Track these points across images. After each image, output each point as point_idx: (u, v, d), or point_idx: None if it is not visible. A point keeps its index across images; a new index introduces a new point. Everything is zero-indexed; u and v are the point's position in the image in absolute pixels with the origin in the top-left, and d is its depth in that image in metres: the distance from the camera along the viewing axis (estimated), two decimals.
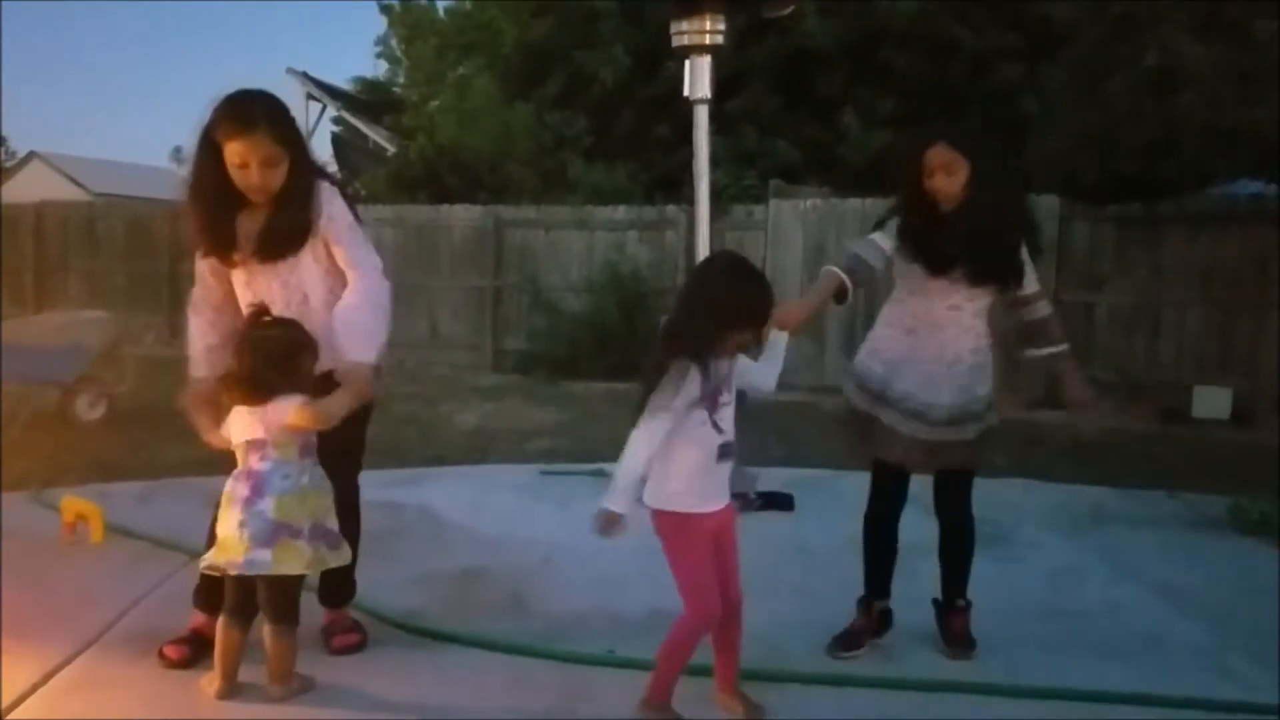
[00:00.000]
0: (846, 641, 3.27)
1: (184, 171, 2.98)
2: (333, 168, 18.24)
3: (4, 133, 33.15)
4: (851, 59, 12.85)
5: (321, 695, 2.85)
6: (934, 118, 3.52)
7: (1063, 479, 5.99)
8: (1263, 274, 8.71)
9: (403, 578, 3.85)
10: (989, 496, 5.44)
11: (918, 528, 4.78)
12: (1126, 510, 5.32)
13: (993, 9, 12.34)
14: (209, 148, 2.82)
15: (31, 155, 32.18)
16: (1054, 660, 3.21)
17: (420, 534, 4.56)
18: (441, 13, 18.40)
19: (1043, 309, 3.30)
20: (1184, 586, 4.02)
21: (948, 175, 3.01)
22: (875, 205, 10.11)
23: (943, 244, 3.07)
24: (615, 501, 2.69)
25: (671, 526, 2.75)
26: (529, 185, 13.34)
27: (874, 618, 3.33)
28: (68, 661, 3.01)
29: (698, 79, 5.17)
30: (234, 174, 2.80)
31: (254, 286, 2.95)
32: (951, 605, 3.32)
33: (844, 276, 3.09)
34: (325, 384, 2.84)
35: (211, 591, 2.95)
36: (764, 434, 5.20)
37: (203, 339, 3.04)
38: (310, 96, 19.52)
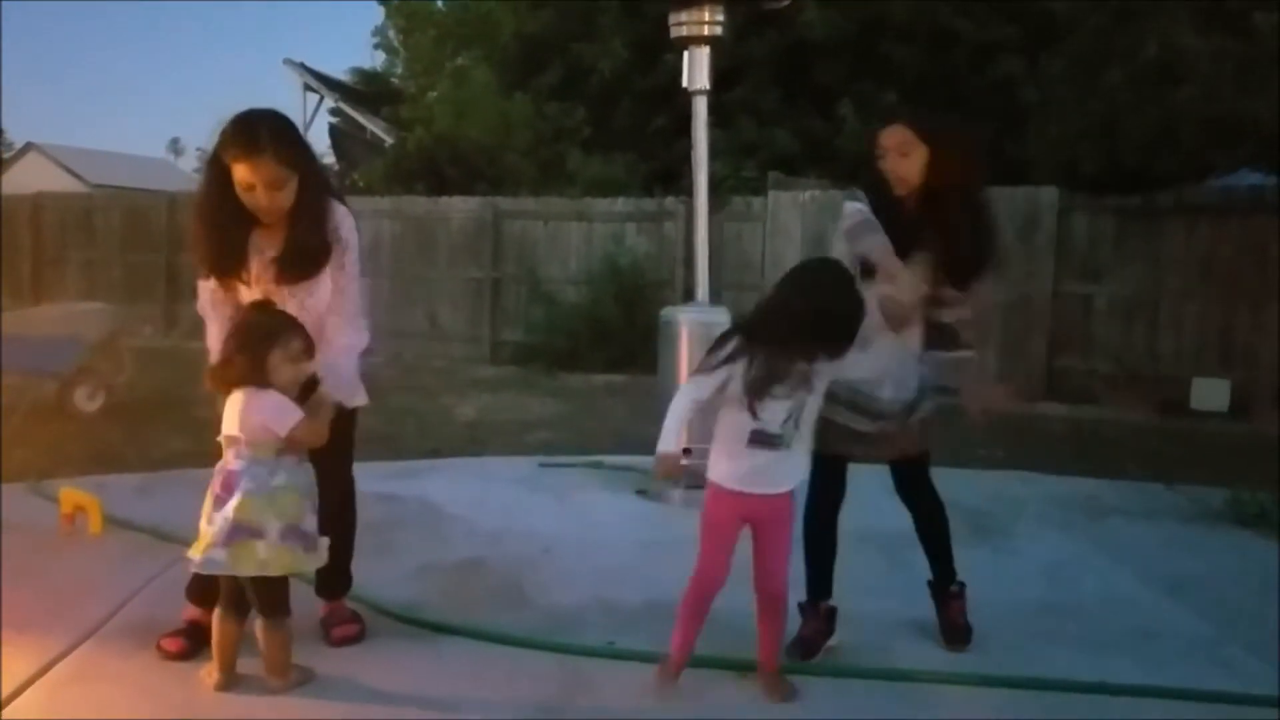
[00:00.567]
0: (805, 649, 3.13)
1: (181, 162, 3.00)
2: (330, 159, 18.24)
3: (1, 124, 33.03)
4: (851, 51, 12.83)
5: (320, 686, 2.85)
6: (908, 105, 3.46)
7: (1061, 471, 5.99)
8: (1262, 266, 8.70)
9: (401, 570, 3.85)
10: (986, 489, 5.48)
11: (910, 519, 4.79)
12: (1124, 502, 5.32)
13: (992, 1, 12.32)
14: (217, 169, 2.83)
15: (29, 146, 32.13)
16: (1051, 652, 3.21)
17: (419, 526, 4.56)
18: (439, 4, 18.36)
19: (965, 312, 3.14)
20: (1182, 578, 4.02)
21: (900, 157, 2.94)
22: None
23: (894, 230, 3.00)
24: (663, 443, 2.89)
25: (707, 493, 2.93)
26: (527, 176, 13.33)
27: (824, 618, 3.22)
28: (66, 653, 3.00)
29: (697, 70, 5.17)
30: (242, 195, 2.81)
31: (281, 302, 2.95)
32: (945, 590, 3.29)
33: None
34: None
35: (205, 584, 2.94)
36: None
37: (213, 346, 3.00)
38: (308, 87, 19.49)
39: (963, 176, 3.02)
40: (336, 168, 18.05)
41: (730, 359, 2.75)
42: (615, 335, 10.62)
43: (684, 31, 5.12)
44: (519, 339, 11.81)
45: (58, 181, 25.20)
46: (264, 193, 2.80)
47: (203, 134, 2.94)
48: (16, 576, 3.61)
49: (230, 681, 2.81)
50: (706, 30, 5.10)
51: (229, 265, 2.91)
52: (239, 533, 2.69)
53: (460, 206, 12.44)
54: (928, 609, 3.49)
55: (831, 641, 3.21)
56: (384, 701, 2.81)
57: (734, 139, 12.04)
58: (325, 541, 2.88)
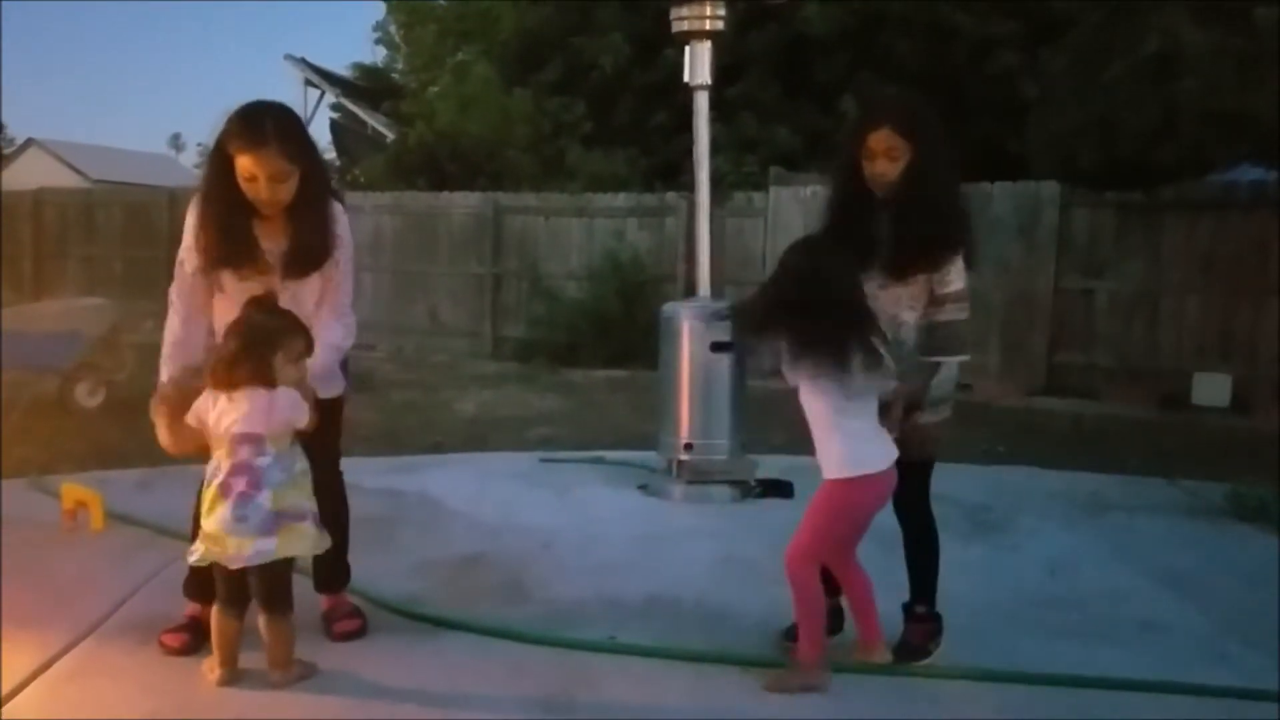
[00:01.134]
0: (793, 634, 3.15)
1: (182, 158, 2.99)
2: (331, 154, 18.22)
3: (3, 120, 33.02)
4: (851, 45, 12.82)
5: (322, 681, 2.86)
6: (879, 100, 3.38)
7: (1062, 466, 5.99)
8: (1263, 261, 8.69)
9: (403, 565, 3.85)
10: (987, 484, 5.49)
11: None
12: (1126, 497, 5.32)
13: None
14: (221, 159, 2.82)
15: (30, 142, 32.13)
16: (1052, 647, 3.22)
17: (420, 521, 4.56)
18: None
19: (955, 312, 3.05)
20: (1183, 573, 4.02)
21: (890, 160, 2.91)
22: None
23: (868, 232, 2.97)
24: None
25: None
26: (528, 172, 13.32)
27: (827, 617, 3.17)
28: (68, 649, 3.01)
29: (698, 65, 5.16)
30: (244, 186, 2.81)
31: (251, 293, 2.92)
32: (911, 612, 3.16)
33: None
34: None
35: (203, 580, 2.96)
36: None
37: (173, 336, 3.01)
38: (309, 83, 19.47)
39: (940, 171, 2.99)
40: (338, 163, 18.04)
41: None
42: (616, 331, 10.62)
43: (685, 26, 5.12)
44: (520, 334, 11.81)
45: (59, 177, 25.19)
46: (266, 185, 2.79)
47: (204, 130, 2.97)
48: (18, 572, 3.62)
49: (233, 676, 2.82)
50: (708, 25, 5.09)
51: (235, 256, 2.89)
52: (284, 518, 2.73)
53: (461, 202, 12.44)
54: None
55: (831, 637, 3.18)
56: (385, 696, 2.81)
57: (735, 134, 12.03)
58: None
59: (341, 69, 20.78)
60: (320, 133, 19.08)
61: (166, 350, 3.01)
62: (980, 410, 8.56)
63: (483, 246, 12.17)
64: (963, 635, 3.29)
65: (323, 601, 3.24)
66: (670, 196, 11.28)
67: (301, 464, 2.82)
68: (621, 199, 11.71)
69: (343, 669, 2.93)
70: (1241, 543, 4.53)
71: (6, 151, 32.23)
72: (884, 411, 2.91)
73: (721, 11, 5.10)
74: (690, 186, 5.94)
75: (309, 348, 2.84)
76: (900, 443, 2.96)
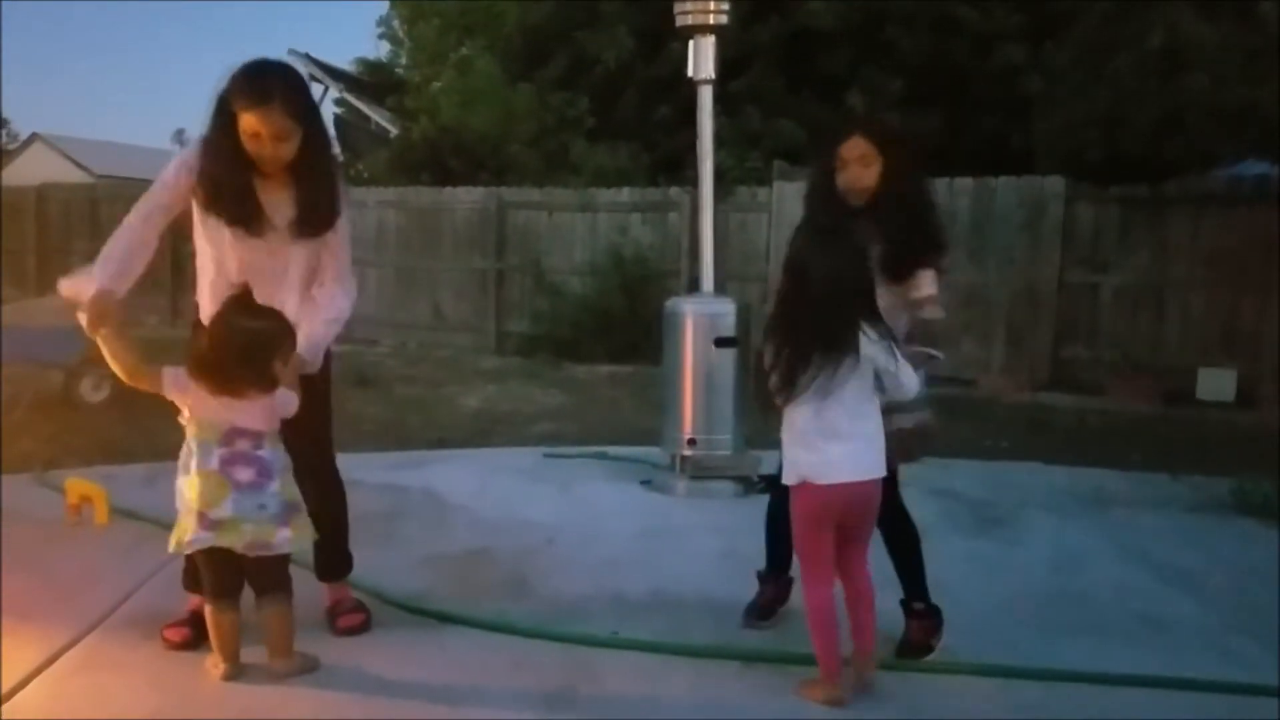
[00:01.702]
0: (761, 612, 3.30)
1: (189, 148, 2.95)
2: (335, 149, 18.20)
3: (6, 115, 33.04)
4: (856, 39, 12.78)
5: (325, 675, 2.86)
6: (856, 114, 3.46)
7: (1066, 461, 5.98)
8: (1267, 256, 8.65)
9: (406, 559, 3.86)
10: (992, 479, 5.48)
11: (916, 509, 4.79)
12: (1129, 492, 5.31)
13: None
14: (224, 115, 2.81)
15: (34, 137, 32.14)
16: (1056, 642, 3.22)
17: (424, 516, 4.57)
18: None
19: (929, 314, 3.09)
20: (1187, 568, 4.02)
21: (862, 168, 2.98)
22: None
23: None
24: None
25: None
26: (531, 167, 13.30)
27: (780, 586, 3.34)
28: (72, 643, 3.02)
29: (702, 59, 5.15)
30: (247, 143, 2.80)
31: (244, 255, 2.92)
32: (909, 609, 3.16)
33: None
34: None
35: (192, 575, 3.00)
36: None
37: (129, 236, 2.91)
38: (312, 78, 19.42)
39: (911, 179, 3.08)
40: (341, 158, 18.03)
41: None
42: (620, 326, 10.61)
43: (689, 20, 5.10)
44: (523, 330, 11.81)
45: (62, 172, 25.21)
46: (269, 142, 2.79)
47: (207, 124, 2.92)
48: (22, 567, 3.63)
49: (237, 671, 2.82)
50: (711, 19, 5.08)
51: (243, 212, 2.87)
52: (294, 509, 2.77)
53: (464, 197, 12.43)
54: (937, 601, 3.48)
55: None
56: (389, 690, 2.82)
57: (739, 129, 12.00)
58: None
59: (345, 64, 20.76)
60: None
61: (111, 250, 2.88)
62: (984, 405, 8.55)
63: (486, 242, 12.17)
64: (966, 631, 3.29)
65: (326, 596, 3.25)
66: (674, 191, 11.26)
67: (287, 457, 2.84)
68: (625, 194, 11.69)
69: (346, 663, 2.94)
70: (1245, 538, 4.52)
71: (10, 147, 32.24)
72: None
73: (725, 5, 5.08)
74: (694, 181, 5.93)
75: (295, 341, 2.83)
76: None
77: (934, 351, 3.04)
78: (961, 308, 9.89)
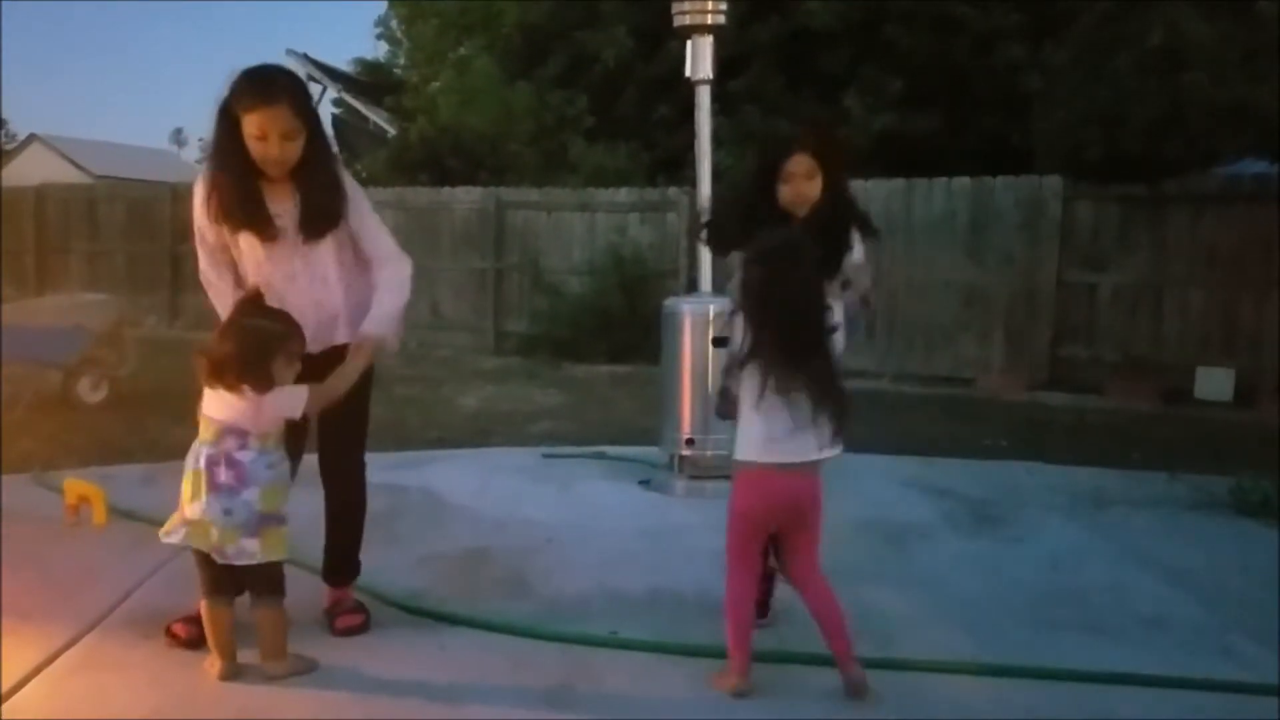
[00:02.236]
0: (759, 610, 3.21)
1: (184, 153, 2.98)
2: (333, 149, 18.20)
3: (4, 115, 33.03)
4: (854, 38, 12.79)
5: (324, 676, 2.86)
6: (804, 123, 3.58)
7: (1064, 460, 5.98)
8: (1266, 254, 8.67)
9: (405, 559, 3.85)
10: (990, 478, 5.48)
11: (915, 509, 4.81)
12: (1128, 491, 5.31)
13: None
14: (228, 122, 2.82)
15: (32, 138, 32.14)
16: (1054, 641, 3.21)
17: (423, 516, 4.57)
18: None
19: (863, 276, 3.25)
20: (1185, 567, 4.02)
21: (807, 181, 3.14)
22: (878, 186, 10.12)
23: None
24: None
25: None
26: (530, 166, 13.31)
27: (764, 579, 3.26)
28: (72, 643, 3.01)
29: (700, 59, 5.15)
30: (252, 146, 2.80)
31: (275, 263, 2.94)
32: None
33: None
34: (334, 358, 2.92)
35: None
36: None
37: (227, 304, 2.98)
38: (310, 78, 19.42)
39: (844, 188, 3.27)
40: (340, 158, 18.01)
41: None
42: (618, 326, 10.62)
43: (687, 20, 5.10)
44: (522, 329, 11.81)
45: (61, 173, 25.21)
46: (276, 143, 2.79)
47: (206, 125, 2.93)
48: (21, 567, 3.62)
49: (234, 670, 2.81)
50: (710, 19, 5.08)
51: (254, 218, 2.88)
52: (268, 521, 2.73)
53: (463, 197, 12.43)
54: (931, 599, 3.50)
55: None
56: (388, 690, 2.81)
57: (738, 128, 12.00)
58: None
59: (343, 64, 20.79)
60: None
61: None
62: (983, 404, 8.57)
63: (485, 241, 12.17)
64: (965, 629, 3.30)
65: (325, 597, 3.24)
66: (672, 191, 11.27)
67: (284, 467, 2.81)
68: (624, 194, 11.70)
69: (345, 664, 2.93)
70: (1244, 537, 4.52)
71: (9, 147, 32.23)
72: None
73: (723, 5, 5.08)
74: (692, 181, 5.93)
75: (304, 344, 2.83)
76: None
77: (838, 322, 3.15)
78: (960, 307, 9.91)
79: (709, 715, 2.74)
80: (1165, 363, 9.11)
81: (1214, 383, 8.75)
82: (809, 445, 2.75)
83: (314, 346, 2.92)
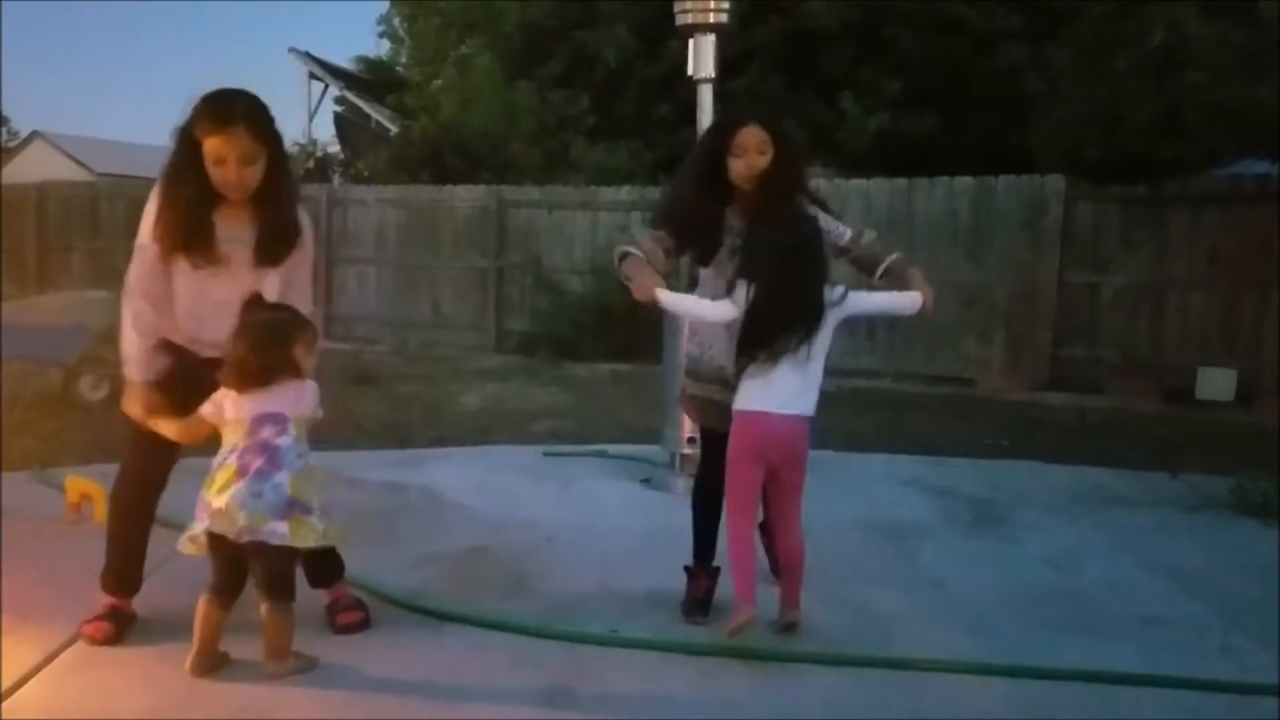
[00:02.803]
0: (701, 607, 3.36)
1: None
2: (335, 148, 18.21)
3: (6, 112, 32.99)
4: (855, 38, 12.79)
5: (323, 674, 2.86)
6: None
7: (1065, 460, 5.98)
8: (1267, 255, 8.66)
9: (405, 557, 3.86)
10: (991, 478, 5.48)
11: (916, 508, 4.80)
12: (1129, 491, 5.31)
13: None
14: (188, 144, 2.82)
15: (34, 135, 32.07)
16: (1055, 641, 3.21)
17: (423, 514, 4.57)
18: None
19: (865, 245, 3.32)
20: (1186, 567, 4.02)
21: (758, 155, 3.15)
22: (878, 186, 10.11)
23: (721, 223, 3.24)
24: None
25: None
26: (531, 165, 13.30)
27: (710, 577, 3.43)
28: (71, 641, 3.01)
29: (702, 58, 5.14)
30: (211, 171, 2.80)
31: (212, 288, 2.91)
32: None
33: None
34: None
35: (123, 574, 3.11)
36: None
37: (144, 335, 2.94)
38: (313, 76, 19.47)
39: (797, 167, 3.32)
40: (342, 156, 18.03)
41: None
42: (619, 324, 10.60)
43: (689, 19, 5.09)
44: (523, 328, 11.81)
45: (63, 170, 25.17)
46: (235, 168, 2.79)
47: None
48: (22, 565, 3.63)
49: (208, 665, 2.81)
50: (712, 17, 5.07)
51: (197, 241, 2.86)
52: (295, 508, 2.74)
53: (465, 195, 12.43)
54: (932, 598, 3.50)
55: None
56: (387, 689, 2.82)
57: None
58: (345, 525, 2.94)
59: (346, 62, 20.79)
60: (324, 126, 19.10)
61: (133, 338, 2.93)
62: (984, 404, 8.57)
63: (486, 240, 12.17)
64: (966, 629, 3.30)
65: (325, 594, 3.24)
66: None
67: (312, 459, 2.84)
68: (625, 192, 11.69)
69: (344, 662, 2.94)
70: (1245, 537, 4.52)
71: (10, 145, 32.21)
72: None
73: (725, 4, 5.07)
74: None
75: (316, 334, 2.87)
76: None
77: (890, 259, 3.32)
78: (961, 307, 9.90)
79: (709, 714, 2.74)
80: (1166, 363, 9.11)
81: (1215, 383, 8.75)
82: (804, 401, 3.04)
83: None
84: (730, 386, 3.16)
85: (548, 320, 11.40)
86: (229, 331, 2.83)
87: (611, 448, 6.03)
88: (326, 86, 19.69)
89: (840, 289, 3.07)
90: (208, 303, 2.92)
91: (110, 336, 7.64)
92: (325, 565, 3.22)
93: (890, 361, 9.96)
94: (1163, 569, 3.98)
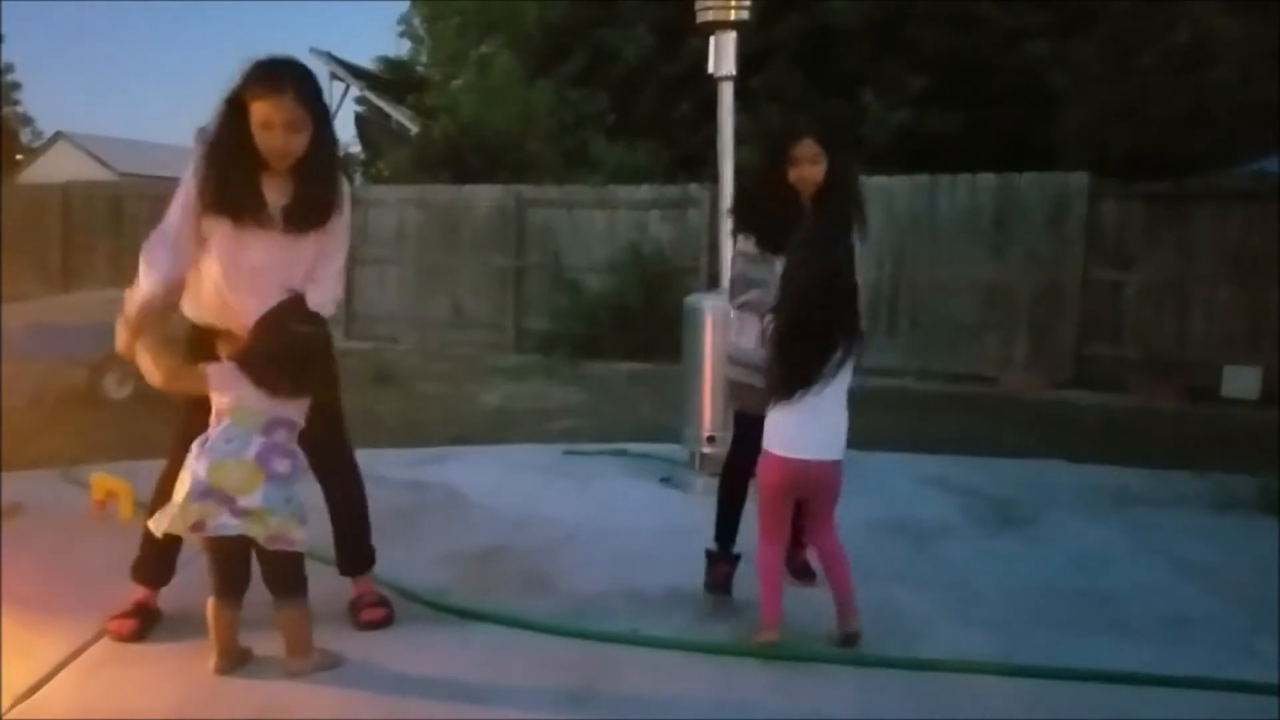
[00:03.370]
0: (722, 585, 3.51)
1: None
2: (356, 148, 18.28)
3: (31, 113, 33.31)
4: (876, 35, 12.73)
5: (345, 672, 2.87)
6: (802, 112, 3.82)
7: (1089, 459, 5.94)
8: None
9: (426, 556, 3.86)
10: (1016, 477, 5.45)
11: (940, 507, 4.78)
12: (1154, 490, 5.27)
13: None
14: (235, 109, 2.81)
15: (58, 136, 32.36)
16: (1079, 641, 3.19)
17: (444, 513, 4.58)
18: None
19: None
20: (1211, 567, 3.98)
21: (813, 165, 3.35)
22: (900, 183, 10.06)
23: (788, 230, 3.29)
24: None
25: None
26: (550, 164, 13.32)
27: (730, 560, 3.54)
28: (99, 637, 3.04)
29: (722, 55, 5.13)
30: (258, 136, 2.79)
31: (249, 254, 2.89)
32: (798, 541, 3.44)
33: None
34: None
35: (158, 566, 3.10)
36: None
37: (163, 281, 2.89)
38: (334, 76, 19.55)
39: (850, 176, 3.54)
40: (363, 156, 18.10)
41: None
42: (639, 323, 10.61)
43: (710, 16, 5.08)
44: (543, 327, 11.82)
45: (87, 170, 25.40)
46: (282, 133, 2.78)
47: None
48: (48, 561, 3.66)
49: (232, 664, 2.83)
50: (733, 15, 5.06)
51: (243, 203, 2.85)
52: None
53: (484, 195, 12.45)
54: (956, 598, 3.47)
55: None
56: (409, 686, 2.82)
57: (759, 125, 11.98)
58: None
59: (367, 62, 20.86)
60: (345, 126, 19.18)
61: (146, 284, 2.88)
62: (1008, 403, 8.51)
63: (506, 239, 12.18)
64: (990, 629, 3.28)
65: (350, 590, 3.25)
66: (693, 188, 11.24)
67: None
68: (644, 191, 11.68)
69: (365, 659, 2.95)
70: (1270, 536, 4.46)
71: (35, 145, 32.51)
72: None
73: (746, 1, 5.06)
74: (713, 178, 5.92)
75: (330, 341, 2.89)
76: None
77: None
78: (984, 305, 9.85)
79: (730, 714, 2.73)
80: (1191, 361, 9.03)
81: (1241, 381, 8.66)
82: (839, 442, 3.07)
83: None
84: (751, 368, 3.32)
85: (567, 319, 11.41)
86: (256, 306, 2.79)
87: (631, 446, 6.02)
88: (348, 87, 19.78)
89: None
90: (241, 270, 2.89)
91: None
92: (357, 552, 3.22)
93: (912, 360, 9.91)
94: (1188, 569, 3.95)
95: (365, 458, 3.33)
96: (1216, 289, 9.10)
